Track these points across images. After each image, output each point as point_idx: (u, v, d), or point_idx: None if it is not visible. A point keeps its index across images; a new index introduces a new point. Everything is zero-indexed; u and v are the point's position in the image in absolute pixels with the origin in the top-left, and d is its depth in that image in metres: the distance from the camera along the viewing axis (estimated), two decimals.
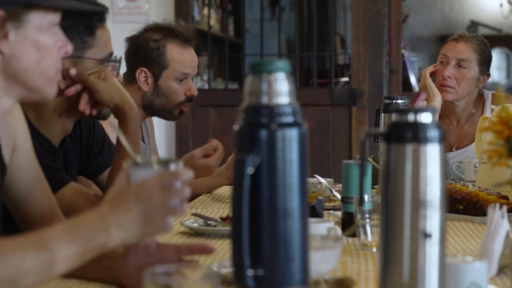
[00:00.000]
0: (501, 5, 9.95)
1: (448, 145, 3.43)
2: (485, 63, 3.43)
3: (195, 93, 2.94)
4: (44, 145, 2.05)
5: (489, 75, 3.47)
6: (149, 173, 1.37)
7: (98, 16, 2.02)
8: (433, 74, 3.44)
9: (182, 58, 2.89)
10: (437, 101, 3.34)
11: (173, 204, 1.36)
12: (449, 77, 3.38)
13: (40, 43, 1.49)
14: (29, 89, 1.51)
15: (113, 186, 1.41)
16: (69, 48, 1.54)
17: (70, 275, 1.64)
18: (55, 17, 1.51)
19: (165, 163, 1.38)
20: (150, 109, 2.91)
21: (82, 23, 2.01)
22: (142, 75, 2.87)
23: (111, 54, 2.10)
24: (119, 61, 2.15)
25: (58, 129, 2.10)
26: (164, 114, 2.92)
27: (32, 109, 2.06)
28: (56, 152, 2.10)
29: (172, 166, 1.38)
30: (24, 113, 1.79)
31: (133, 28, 2.96)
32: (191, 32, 2.92)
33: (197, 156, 3.02)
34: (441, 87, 3.39)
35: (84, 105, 2.08)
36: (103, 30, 2.09)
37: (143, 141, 3.00)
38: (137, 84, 2.87)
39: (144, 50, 2.87)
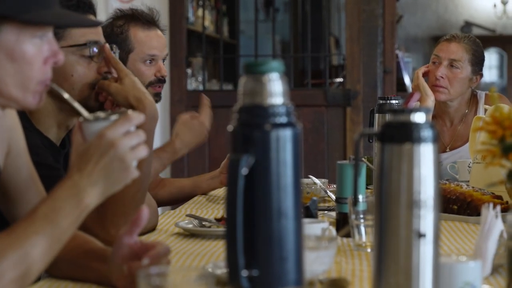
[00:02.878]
0: (494, 5, 9.97)
1: (441, 146, 3.43)
2: (477, 63, 3.44)
3: (165, 73, 2.91)
4: (45, 143, 2.04)
5: (482, 75, 3.48)
6: (103, 125, 1.42)
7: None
8: (426, 75, 3.44)
9: (146, 40, 2.87)
10: (430, 101, 3.34)
11: (135, 146, 1.41)
12: (442, 77, 3.39)
13: (15, 54, 1.44)
14: (6, 99, 1.48)
15: (72, 149, 1.44)
16: (60, 57, 1.49)
17: (64, 277, 1.64)
18: (39, 28, 1.46)
19: (113, 113, 1.43)
20: None
21: None
22: None
23: (91, 41, 2.02)
24: (101, 46, 2.07)
25: (61, 126, 2.08)
26: None
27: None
28: (58, 150, 2.09)
29: (120, 115, 1.42)
30: (24, 113, 1.77)
31: None
32: (155, 14, 2.91)
33: (187, 117, 3.01)
34: (434, 87, 3.40)
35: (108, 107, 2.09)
36: None
37: None
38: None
39: (110, 38, 2.85)
